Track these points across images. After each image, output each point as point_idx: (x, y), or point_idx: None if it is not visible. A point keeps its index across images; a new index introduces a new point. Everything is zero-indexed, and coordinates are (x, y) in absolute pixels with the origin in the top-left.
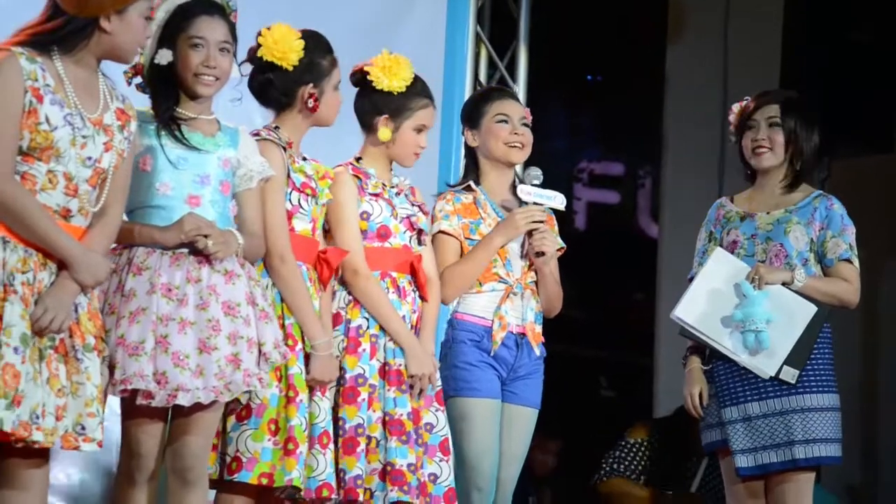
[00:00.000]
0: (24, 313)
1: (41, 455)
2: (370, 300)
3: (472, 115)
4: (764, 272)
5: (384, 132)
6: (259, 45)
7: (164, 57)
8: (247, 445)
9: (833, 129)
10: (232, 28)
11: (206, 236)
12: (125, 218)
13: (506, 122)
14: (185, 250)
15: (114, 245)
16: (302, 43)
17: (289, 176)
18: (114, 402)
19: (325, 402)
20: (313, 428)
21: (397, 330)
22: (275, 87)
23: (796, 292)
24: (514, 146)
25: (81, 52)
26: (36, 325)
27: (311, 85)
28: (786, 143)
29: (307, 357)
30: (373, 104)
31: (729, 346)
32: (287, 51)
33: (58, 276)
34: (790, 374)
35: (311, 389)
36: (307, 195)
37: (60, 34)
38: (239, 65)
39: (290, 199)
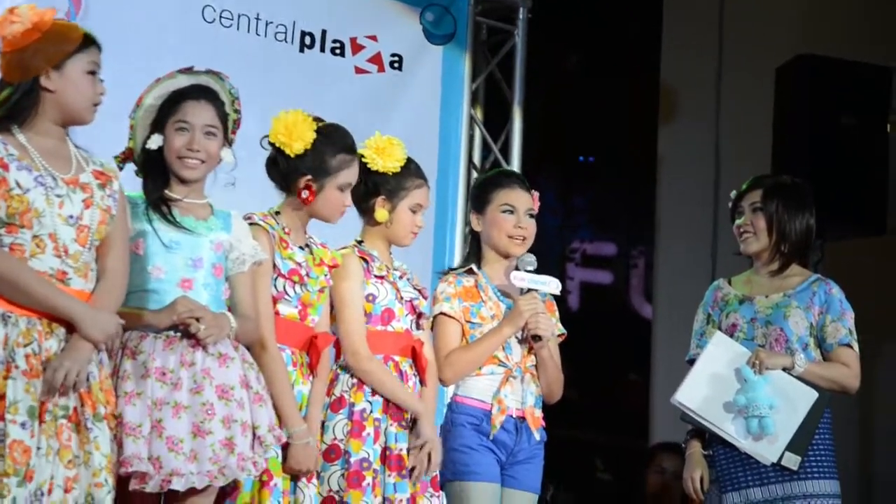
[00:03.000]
0: (27, 387)
1: None
2: (374, 378)
3: (478, 199)
4: (764, 357)
5: (381, 213)
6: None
7: (155, 142)
8: None
9: (825, 212)
10: (221, 112)
11: (198, 319)
12: None
13: (511, 212)
14: (178, 334)
15: (122, 321)
16: (313, 135)
17: (274, 264)
18: None
19: (310, 489)
20: None
21: (407, 401)
22: (277, 169)
23: (797, 377)
24: (516, 240)
25: (37, 120)
26: (50, 387)
27: (308, 177)
28: (768, 228)
29: (285, 445)
30: (367, 186)
31: (731, 432)
32: (293, 138)
33: (68, 340)
34: (792, 461)
35: (297, 476)
36: (294, 282)
37: (10, 105)
38: (260, 141)
39: (275, 285)
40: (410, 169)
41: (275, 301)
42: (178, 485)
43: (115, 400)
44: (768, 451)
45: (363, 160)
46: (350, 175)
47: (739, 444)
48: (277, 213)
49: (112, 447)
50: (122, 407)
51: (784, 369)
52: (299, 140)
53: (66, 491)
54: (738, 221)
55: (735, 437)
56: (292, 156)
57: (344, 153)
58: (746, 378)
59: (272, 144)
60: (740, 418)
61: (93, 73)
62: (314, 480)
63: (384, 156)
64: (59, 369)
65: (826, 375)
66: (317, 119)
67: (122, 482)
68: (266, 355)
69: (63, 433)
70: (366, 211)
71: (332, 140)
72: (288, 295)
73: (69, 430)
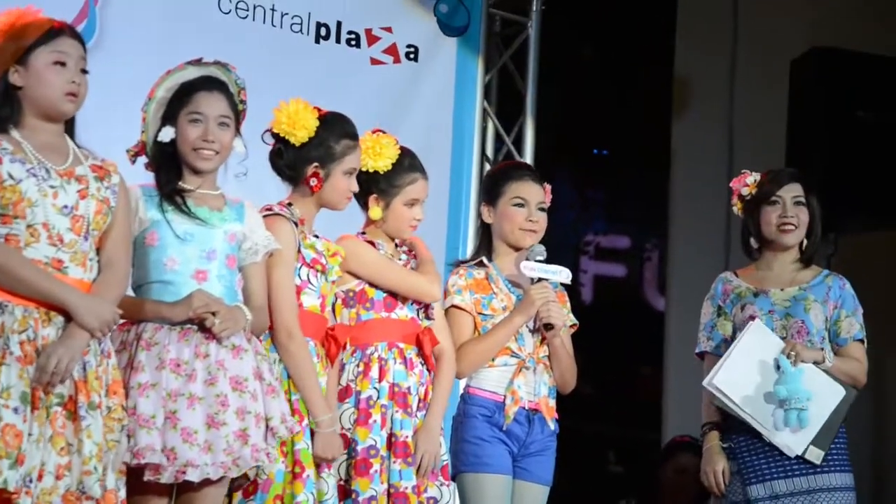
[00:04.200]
0: (21, 372)
1: None
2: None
3: (490, 191)
4: (800, 349)
5: (374, 211)
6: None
7: (167, 134)
8: None
9: (839, 205)
10: (232, 103)
11: (214, 313)
12: (132, 294)
13: (522, 205)
14: (193, 326)
15: (122, 321)
16: (316, 122)
17: (299, 251)
18: None
19: (331, 479)
20: None
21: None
22: (283, 159)
23: (825, 372)
24: (528, 232)
25: (26, 118)
26: (41, 373)
27: (315, 164)
28: (810, 223)
29: (313, 433)
30: (361, 184)
31: (762, 421)
32: (296, 127)
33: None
34: (815, 455)
35: (319, 465)
36: (317, 271)
37: None
38: (261, 136)
39: (299, 275)
40: (404, 164)
41: (299, 292)
42: (193, 476)
43: (126, 391)
44: (794, 442)
45: None
46: (354, 160)
47: (768, 433)
48: (290, 204)
49: (117, 440)
50: (135, 399)
51: (815, 363)
52: (303, 129)
53: (58, 478)
54: (778, 212)
55: (765, 427)
56: (297, 145)
57: (347, 139)
58: (784, 369)
59: (275, 136)
60: (780, 410)
61: (60, 63)
62: (334, 469)
63: (374, 156)
64: (52, 356)
65: (844, 369)
66: (316, 108)
67: (136, 472)
68: (293, 344)
69: (57, 420)
70: (364, 207)
71: (334, 127)
72: (311, 284)
73: (63, 418)
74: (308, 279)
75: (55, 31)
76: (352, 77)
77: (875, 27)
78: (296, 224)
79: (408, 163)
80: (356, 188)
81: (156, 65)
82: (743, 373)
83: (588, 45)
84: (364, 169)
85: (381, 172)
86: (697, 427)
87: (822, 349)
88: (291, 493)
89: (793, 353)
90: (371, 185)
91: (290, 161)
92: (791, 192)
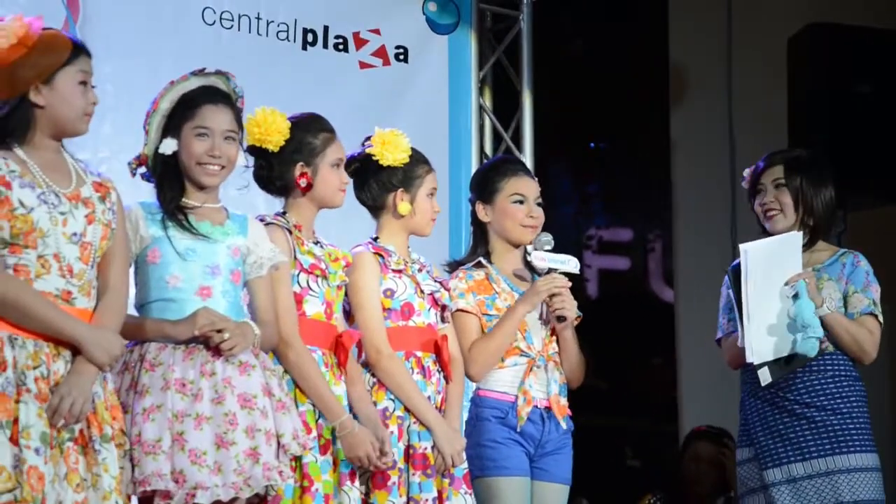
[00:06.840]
0: (40, 411)
1: None
2: (393, 380)
3: (485, 189)
4: (811, 281)
5: (404, 206)
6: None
7: (169, 147)
8: None
9: (846, 182)
10: (237, 115)
11: (220, 331)
12: (135, 313)
13: (522, 202)
14: (199, 344)
15: (125, 341)
16: (287, 124)
17: (295, 258)
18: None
19: (354, 492)
20: None
21: (421, 409)
22: (267, 170)
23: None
24: (529, 228)
25: (34, 135)
26: (55, 415)
27: (301, 164)
28: (794, 203)
29: (324, 443)
30: (381, 183)
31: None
32: (270, 132)
33: (73, 363)
34: (764, 376)
35: (341, 478)
36: (316, 276)
37: (5, 124)
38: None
39: (297, 282)
40: (417, 156)
41: (300, 299)
42: (204, 499)
43: (122, 415)
44: (761, 350)
45: (373, 159)
46: (338, 150)
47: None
48: (284, 213)
49: (125, 466)
50: (140, 424)
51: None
52: (276, 133)
53: None
54: (760, 200)
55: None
56: (276, 150)
57: (324, 132)
58: (801, 293)
59: (254, 151)
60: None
61: (83, 83)
62: (356, 483)
63: (392, 149)
64: (66, 397)
65: (850, 329)
66: (284, 115)
67: (147, 500)
68: (292, 353)
69: (70, 456)
70: (382, 208)
71: (308, 124)
72: (312, 291)
73: (76, 453)
74: (308, 285)
75: (78, 48)
76: (341, 82)
77: (871, 1)
78: (290, 231)
79: (418, 154)
80: (347, 180)
81: (142, 80)
82: (766, 328)
83: (581, 37)
84: (385, 164)
85: (400, 166)
86: (714, 416)
87: (823, 298)
88: None
89: (805, 280)
90: (393, 181)
91: (276, 169)
92: (771, 175)
